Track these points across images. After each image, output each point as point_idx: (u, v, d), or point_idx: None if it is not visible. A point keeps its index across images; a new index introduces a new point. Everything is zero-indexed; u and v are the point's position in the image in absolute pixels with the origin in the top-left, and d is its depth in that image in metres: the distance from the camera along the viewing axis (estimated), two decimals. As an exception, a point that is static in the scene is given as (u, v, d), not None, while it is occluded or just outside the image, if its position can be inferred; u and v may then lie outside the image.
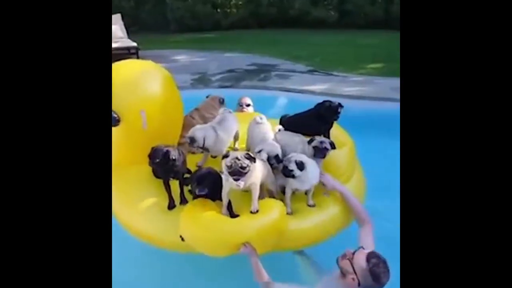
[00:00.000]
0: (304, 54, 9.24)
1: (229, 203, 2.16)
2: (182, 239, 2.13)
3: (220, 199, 2.16)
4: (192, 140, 2.48)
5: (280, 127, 2.82)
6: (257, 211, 2.10)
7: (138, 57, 8.65)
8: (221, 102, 3.03)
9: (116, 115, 2.34)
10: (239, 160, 1.99)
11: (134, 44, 8.85)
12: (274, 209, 2.13)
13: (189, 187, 2.35)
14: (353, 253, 1.97)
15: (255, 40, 11.43)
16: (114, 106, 2.27)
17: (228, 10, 14.10)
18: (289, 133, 2.71)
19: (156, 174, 2.46)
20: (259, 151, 2.36)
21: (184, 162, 2.39)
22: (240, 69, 8.06)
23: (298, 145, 2.51)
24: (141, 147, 2.40)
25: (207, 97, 3.08)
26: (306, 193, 2.38)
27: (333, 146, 2.42)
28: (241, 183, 2.03)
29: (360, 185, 2.68)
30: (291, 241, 2.24)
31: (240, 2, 13.95)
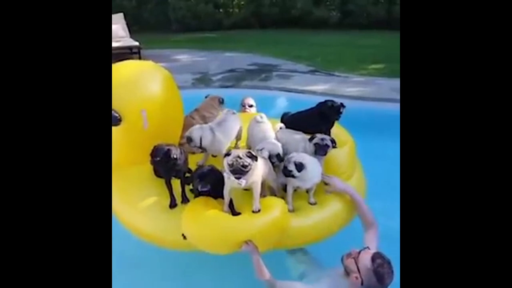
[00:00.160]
0: (305, 54, 9.23)
1: (231, 201, 2.17)
2: (184, 238, 2.13)
3: (222, 197, 2.17)
4: (189, 139, 2.50)
5: (281, 125, 2.83)
6: (259, 210, 2.11)
7: (140, 57, 8.68)
8: (221, 102, 3.03)
9: (117, 115, 2.34)
10: (240, 158, 2.00)
11: (136, 43, 8.85)
12: (276, 207, 2.13)
13: (191, 186, 2.36)
14: (359, 253, 1.98)
15: (256, 40, 11.43)
16: (115, 106, 2.28)
17: (230, 10, 14.12)
18: (290, 131, 2.72)
19: (158, 173, 2.46)
20: (261, 149, 2.36)
21: (186, 161, 2.39)
22: (241, 69, 8.07)
23: (299, 143, 2.52)
24: (141, 147, 2.40)
25: (206, 97, 3.08)
26: (307, 191, 2.39)
27: (334, 143, 2.44)
28: (243, 182, 2.03)
29: (360, 184, 2.68)
30: (292, 239, 2.25)
31: (242, 2, 13.97)
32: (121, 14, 9.57)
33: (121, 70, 2.52)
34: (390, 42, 8.92)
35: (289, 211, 2.26)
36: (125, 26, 9.58)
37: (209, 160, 2.66)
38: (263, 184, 2.22)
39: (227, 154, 2.06)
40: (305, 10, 12.85)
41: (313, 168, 2.30)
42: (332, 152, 2.47)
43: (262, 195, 2.22)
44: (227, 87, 6.81)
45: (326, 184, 2.50)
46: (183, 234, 2.14)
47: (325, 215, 2.35)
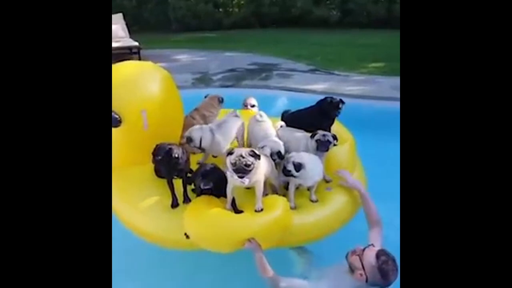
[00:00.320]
0: (306, 53, 9.24)
1: (233, 200, 2.18)
2: (187, 237, 2.13)
3: (224, 196, 2.17)
4: (189, 140, 2.51)
5: (282, 123, 2.83)
6: (261, 210, 2.11)
7: (139, 57, 8.68)
8: (220, 101, 3.03)
9: (117, 116, 2.33)
10: (243, 157, 1.99)
11: (136, 43, 8.85)
12: (278, 206, 2.14)
13: (192, 186, 2.36)
14: (363, 250, 1.98)
15: (256, 39, 11.43)
16: (114, 107, 2.27)
17: (230, 10, 14.12)
18: (291, 129, 2.73)
19: (159, 173, 2.46)
20: (261, 147, 2.37)
21: (188, 160, 2.39)
22: (241, 69, 8.07)
23: (301, 141, 2.54)
24: (141, 148, 2.41)
25: (205, 96, 3.09)
26: (308, 189, 2.41)
27: (335, 139, 2.46)
28: (246, 180, 2.03)
29: (361, 181, 2.66)
30: (294, 236, 2.26)
31: (242, 2, 13.97)
32: (121, 14, 9.57)
33: (120, 71, 2.52)
34: (390, 40, 8.92)
35: (291, 208, 2.27)
36: (125, 26, 9.58)
37: (209, 159, 2.66)
38: (265, 182, 2.23)
39: (230, 153, 2.05)
40: (305, 9, 12.86)
41: (313, 167, 2.31)
42: (332, 149, 2.49)
43: (264, 193, 2.23)
44: (227, 86, 6.81)
45: (327, 182, 2.53)
46: (185, 233, 2.13)
47: (326, 212, 2.36)
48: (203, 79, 7.36)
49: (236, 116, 2.75)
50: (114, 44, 8.20)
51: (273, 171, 2.33)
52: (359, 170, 2.80)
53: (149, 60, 2.98)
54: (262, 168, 2.14)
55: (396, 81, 5.93)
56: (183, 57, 9.44)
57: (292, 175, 2.27)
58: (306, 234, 2.31)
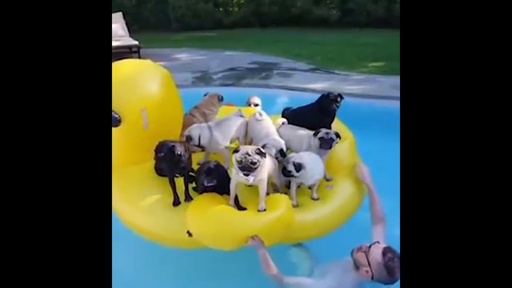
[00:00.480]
0: (306, 52, 9.23)
1: (236, 197, 2.19)
2: (190, 235, 2.13)
3: (227, 193, 2.18)
4: (188, 138, 2.52)
5: (283, 120, 2.84)
6: (265, 210, 2.12)
7: (139, 56, 8.67)
8: (220, 99, 3.04)
9: (117, 116, 2.32)
10: (249, 155, 2.00)
11: (136, 42, 8.84)
12: (282, 203, 2.16)
13: (194, 184, 2.36)
14: (369, 247, 1.99)
15: (256, 38, 11.42)
16: (114, 106, 2.26)
17: (230, 9, 14.11)
18: (292, 127, 2.75)
19: (161, 171, 2.45)
20: (264, 145, 2.38)
21: (190, 158, 2.39)
22: (242, 68, 8.06)
23: (303, 139, 2.57)
24: (141, 147, 2.41)
25: (205, 95, 3.09)
26: (309, 187, 2.43)
27: (338, 137, 2.49)
28: (251, 178, 2.04)
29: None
30: (296, 233, 2.27)
31: (242, 1, 13.96)
32: (120, 13, 9.56)
33: (119, 69, 2.51)
34: (390, 40, 8.92)
35: (293, 206, 2.29)
36: (124, 25, 9.57)
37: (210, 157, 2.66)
38: (267, 181, 2.24)
39: (236, 151, 2.06)
40: (305, 8, 12.85)
41: (313, 166, 2.34)
42: (334, 147, 2.52)
43: (266, 192, 2.24)
44: (227, 85, 6.80)
45: (327, 180, 2.56)
46: (188, 231, 2.13)
47: (327, 210, 2.38)
48: (203, 78, 7.35)
49: (241, 116, 2.75)
50: (114, 43, 8.18)
51: (275, 170, 2.35)
52: (360, 168, 2.80)
53: (149, 59, 2.97)
54: (267, 167, 2.15)
55: (396, 80, 5.93)
56: (183, 56, 9.43)
57: (292, 176, 2.30)
58: (308, 231, 2.33)
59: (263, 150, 2.08)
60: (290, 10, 13.09)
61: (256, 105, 3.75)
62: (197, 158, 2.66)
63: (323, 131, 2.48)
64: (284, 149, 2.42)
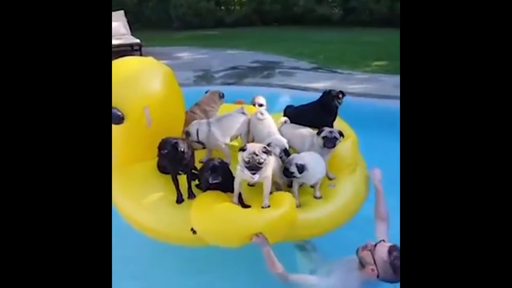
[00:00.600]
0: (308, 51, 9.21)
1: (240, 194, 2.20)
2: (194, 232, 2.12)
3: (230, 191, 2.19)
4: (187, 134, 2.55)
5: (285, 118, 2.83)
6: (268, 206, 2.13)
7: (141, 54, 8.66)
8: (221, 96, 3.05)
9: (120, 113, 2.30)
10: (257, 155, 2.03)
11: (137, 40, 8.83)
12: (285, 201, 2.17)
13: (196, 182, 2.35)
14: (375, 245, 2.00)
15: (258, 37, 11.41)
16: (116, 104, 2.25)
17: (232, 7, 14.10)
18: (294, 126, 2.74)
19: (164, 168, 2.44)
20: (268, 144, 2.37)
21: (193, 155, 2.39)
22: (243, 66, 8.05)
23: (306, 138, 2.57)
24: (144, 145, 2.40)
25: (206, 92, 3.08)
26: (312, 186, 2.43)
27: (341, 135, 2.49)
28: (256, 176, 2.07)
29: (363, 178, 2.71)
30: (299, 231, 2.28)
31: (244, -1, 13.96)
32: (122, 12, 9.55)
33: (122, 67, 2.51)
34: (393, 39, 8.87)
35: (296, 206, 2.28)
36: (126, 23, 9.56)
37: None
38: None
39: (243, 149, 2.08)
40: (308, 7, 12.83)
41: (315, 166, 2.34)
42: (336, 146, 2.51)
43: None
44: (229, 84, 6.79)
45: (330, 179, 2.56)
46: (192, 229, 2.13)
47: (330, 208, 2.38)
48: (205, 77, 7.35)
49: (243, 113, 2.74)
50: (115, 42, 8.19)
51: (279, 169, 2.35)
52: (362, 167, 2.80)
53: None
54: (271, 165, 2.17)
55: (398, 79, 5.91)
56: (185, 54, 9.43)
57: (294, 177, 2.31)
58: (311, 230, 2.34)
59: (269, 149, 2.10)
60: (292, 9, 13.08)
61: (261, 105, 3.74)
62: (199, 157, 2.65)
63: (327, 129, 2.47)
64: (288, 148, 2.43)
